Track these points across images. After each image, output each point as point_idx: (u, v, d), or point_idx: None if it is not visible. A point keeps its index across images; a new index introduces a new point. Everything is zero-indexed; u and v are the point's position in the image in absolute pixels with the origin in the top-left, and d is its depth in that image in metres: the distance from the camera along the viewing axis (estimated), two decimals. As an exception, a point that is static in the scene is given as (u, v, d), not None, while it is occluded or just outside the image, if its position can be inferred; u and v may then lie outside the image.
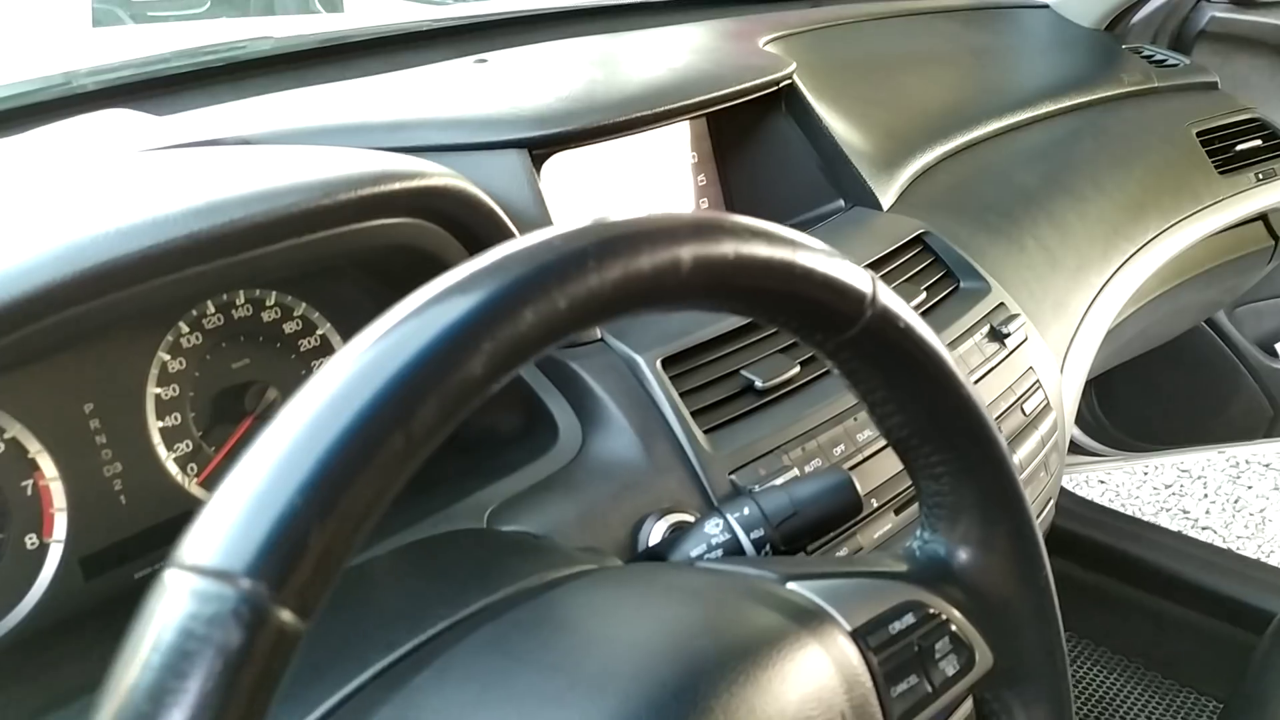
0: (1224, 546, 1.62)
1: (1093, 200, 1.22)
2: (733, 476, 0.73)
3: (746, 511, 0.58)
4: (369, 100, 0.91)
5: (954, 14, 1.52)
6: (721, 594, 0.46)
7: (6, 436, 0.60)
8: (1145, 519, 1.68)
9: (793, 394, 0.82)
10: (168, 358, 0.66)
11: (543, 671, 0.41)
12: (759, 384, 0.79)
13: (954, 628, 0.49)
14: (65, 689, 0.52)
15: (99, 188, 0.60)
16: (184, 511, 0.66)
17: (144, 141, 0.75)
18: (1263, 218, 1.54)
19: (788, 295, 0.41)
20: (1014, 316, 0.99)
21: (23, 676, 0.54)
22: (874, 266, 0.95)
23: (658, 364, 0.76)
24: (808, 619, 0.45)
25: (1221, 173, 1.40)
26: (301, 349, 0.72)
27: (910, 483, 0.84)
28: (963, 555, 0.50)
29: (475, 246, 0.64)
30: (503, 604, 0.48)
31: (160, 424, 0.65)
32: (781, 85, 1.03)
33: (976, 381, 0.92)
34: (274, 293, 0.70)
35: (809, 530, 0.59)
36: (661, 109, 0.89)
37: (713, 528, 0.58)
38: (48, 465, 0.61)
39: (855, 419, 0.82)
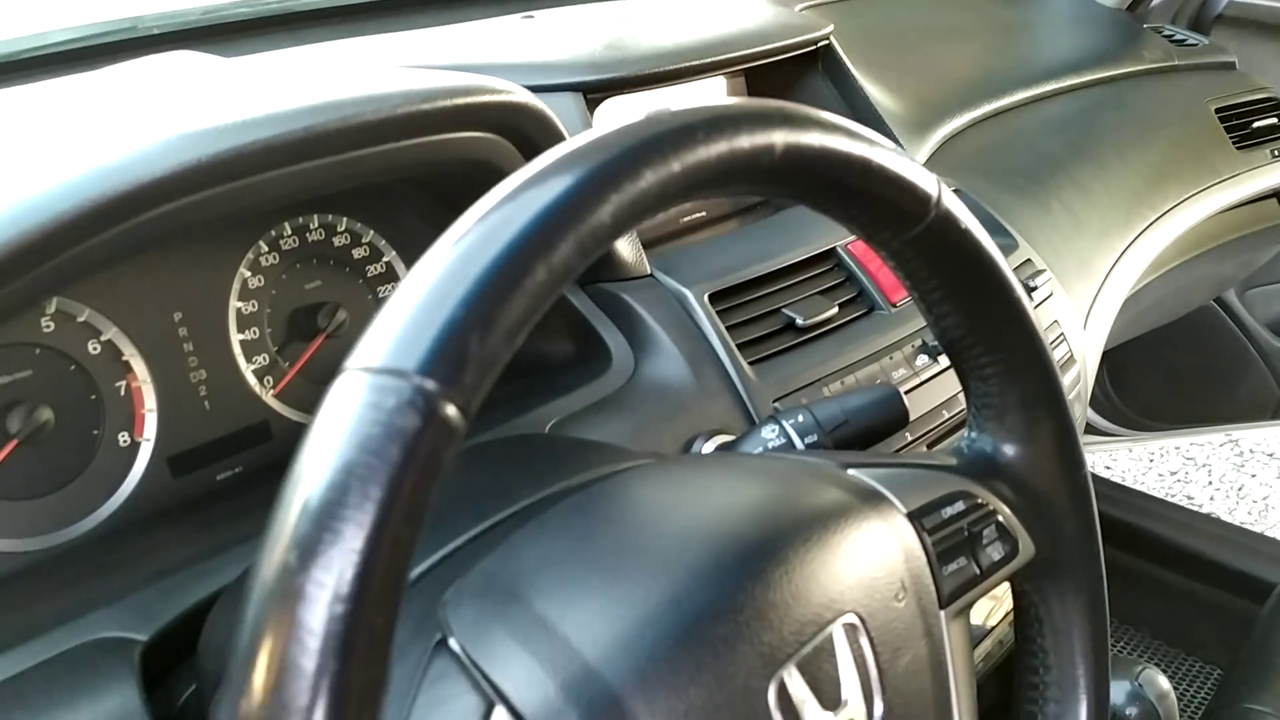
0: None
1: (1116, 169, 1.25)
2: (776, 404, 0.77)
3: (801, 419, 0.62)
4: (424, 48, 0.95)
5: (981, -11, 1.55)
6: (788, 473, 0.50)
7: (104, 339, 0.63)
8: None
9: (831, 333, 0.85)
10: (248, 274, 0.70)
11: (628, 530, 0.45)
12: (800, 321, 0.83)
13: (1000, 518, 0.53)
14: (170, 564, 0.56)
15: (209, 89, 0.64)
16: (261, 420, 0.70)
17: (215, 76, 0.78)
18: (1277, 194, 1.57)
19: (861, 190, 0.44)
20: (1040, 272, 1.02)
21: (124, 558, 0.58)
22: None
23: (705, 298, 0.80)
24: (869, 497, 0.49)
25: (1239, 148, 1.44)
26: (369, 274, 0.75)
27: (940, 422, 0.88)
28: (1008, 451, 0.53)
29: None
30: (582, 485, 0.51)
31: (240, 337, 0.69)
32: (819, 45, 1.07)
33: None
34: (345, 219, 0.74)
35: (859, 438, 0.62)
36: (708, 60, 0.92)
37: (769, 432, 0.61)
38: (140, 368, 0.65)
39: (890, 358, 0.86)
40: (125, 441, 0.64)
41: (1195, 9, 1.79)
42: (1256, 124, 1.49)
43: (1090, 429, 2.06)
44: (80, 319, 0.62)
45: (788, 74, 1.07)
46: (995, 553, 0.52)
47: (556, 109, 0.81)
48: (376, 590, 0.28)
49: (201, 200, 0.52)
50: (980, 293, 0.50)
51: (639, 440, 0.70)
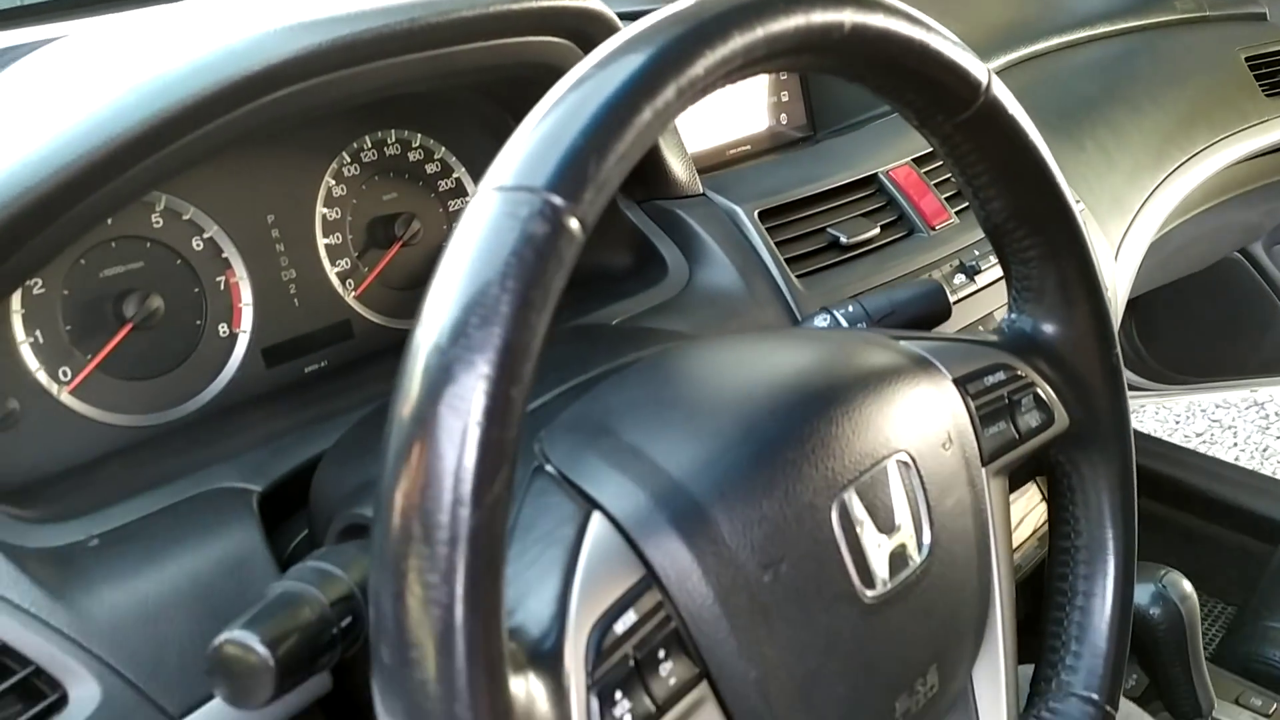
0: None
1: (1148, 112, 1.28)
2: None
3: (850, 308, 0.66)
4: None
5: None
6: (846, 339, 0.55)
7: (206, 236, 0.69)
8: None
9: (872, 252, 0.90)
10: (333, 183, 0.75)
11: (704, 379, 0.50)
12: (844, 240, 0.88)
13: (1038, 390, 0.57)
14: (275, 431, 0.61)
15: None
16: (344, 319, 0.75)
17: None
18: (1305, 143, 1.59)
19: (916, 73, 0.49)
20: (1075, 202, 1.06)
21: (231, 430, 0.64)
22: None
23: (755, 214, 0.85)
24: (919, 362, 0.53)
25: (1268, 95, 1.46)
26: (440, 189, 0.80)
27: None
28: (1046, 328, 0.58)
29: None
30: (654, 354, 0.56)
31: (326, 241, 0.74)
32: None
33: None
34: (419, 134, 0.79)
35: (904, 328, 0.67)
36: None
37: (820, 320, 0.66)
38: (238, 265, 0.70)
39: (929, 276, 0.90)
40: (225, 332, 0.70)
41: (1228, -37, 1.81)
42: (1287, 73, 1.52)
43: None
44: (185, 216, 0.68)
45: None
46: (1033, 420, 0.57)
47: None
48: (515, 366, 0.33)
49: (318, 85, 0.58)
50: (1024, 178, 0.54)
51: (695, 340, 0.75)
